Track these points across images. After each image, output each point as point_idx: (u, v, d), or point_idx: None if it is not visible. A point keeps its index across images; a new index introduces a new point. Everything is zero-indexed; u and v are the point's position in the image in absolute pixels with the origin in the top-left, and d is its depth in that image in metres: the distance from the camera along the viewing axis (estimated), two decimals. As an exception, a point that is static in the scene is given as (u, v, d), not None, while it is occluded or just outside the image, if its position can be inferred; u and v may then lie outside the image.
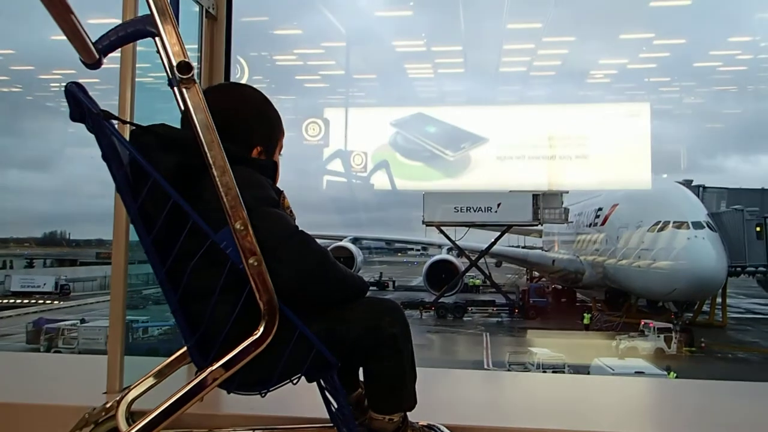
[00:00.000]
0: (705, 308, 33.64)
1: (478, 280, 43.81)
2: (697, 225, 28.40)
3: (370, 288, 1.87)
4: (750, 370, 23.29)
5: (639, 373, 18.70)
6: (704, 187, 33.45)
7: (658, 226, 29.23)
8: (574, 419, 2.41)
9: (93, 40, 1.46)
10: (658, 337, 27.30)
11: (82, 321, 27.78)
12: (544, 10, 39.48)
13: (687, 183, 33.66)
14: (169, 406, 1.54)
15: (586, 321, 33.13)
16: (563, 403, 2.68)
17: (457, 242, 38.47)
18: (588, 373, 19.66)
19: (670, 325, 28.23)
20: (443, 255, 40.63)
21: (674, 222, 28.80)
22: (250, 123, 1.84)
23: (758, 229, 29.59)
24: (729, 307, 34.63)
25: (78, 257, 62.41)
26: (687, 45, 37.55)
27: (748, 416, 2.50)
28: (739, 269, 30.68)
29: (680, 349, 27.23)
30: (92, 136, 1.54)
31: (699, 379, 3.88)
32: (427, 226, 35.87)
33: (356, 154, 32.32)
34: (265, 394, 1.69)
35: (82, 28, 1.39)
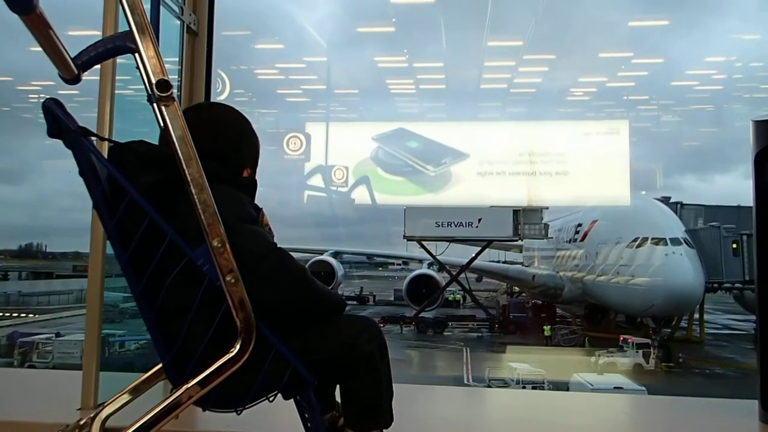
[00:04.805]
0: (683, 324, 33.92)
1: (458, 295, 43.80)
2: (675, 241, 28.67)
3: (352, 302, 1.86)
4: (726, 385, 23.45)
5: (618, 389, 18.74)
6: (682, 204, 33.77)
7: (637, 242, 29.45)
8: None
9: (72, 56, 1.46)
10: (637, 352, 27.46)
11: (58, 335, 27.27)
12: (525, 29, 39.87)
13: (665, 200, 34.01)
14: (144, 423, 1.53)
15: (547, 333, 33.63)
16: (543, 419, 2.69)
17: (437, 257, 38.51)
18: (567, 389, 19.69)
19: (648, 341, 28.40)
20: (424, 270, 40.54)
21: (652, 238, 29.04)
22: (242, 146, 1.87)
23: (735, 245, 29.81)
24: (706, 323, 34.87)
25: (54, 270, 61.40)
26: (663, 64, 38.01)
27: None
28: (716, 285, 30.88)
29: (658, 365, 27.40)
30: (68, 150, 1.54)
31: (676, 396, 3.90)
32: (408, 240, 35.87)
33: (337, 168, 32.27)
34: (241, 411, 1.68)
35: (61, 44, 1.39)
